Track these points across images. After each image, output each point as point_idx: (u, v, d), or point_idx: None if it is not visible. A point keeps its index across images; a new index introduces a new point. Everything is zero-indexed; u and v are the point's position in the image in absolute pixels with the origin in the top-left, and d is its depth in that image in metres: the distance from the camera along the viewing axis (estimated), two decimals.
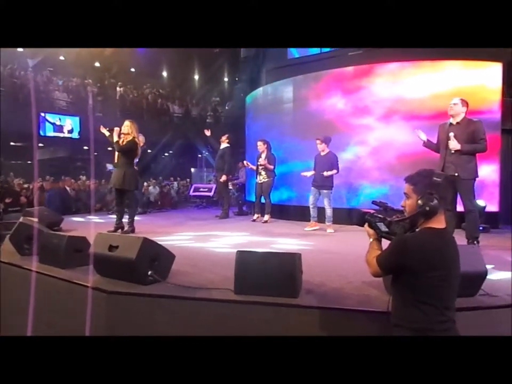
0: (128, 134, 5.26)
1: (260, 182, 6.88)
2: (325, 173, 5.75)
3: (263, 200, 6.92)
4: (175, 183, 14.33)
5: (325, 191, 5.84)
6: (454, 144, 4.12)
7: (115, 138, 5.18)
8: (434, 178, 1.78)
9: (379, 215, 2.10)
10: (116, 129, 5.22)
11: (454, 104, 4.24)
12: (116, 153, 5.30)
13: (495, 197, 6.09)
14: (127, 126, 5.30)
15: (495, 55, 6.11)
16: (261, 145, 6.88)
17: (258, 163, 6.87)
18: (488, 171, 5.91)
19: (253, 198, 7.31)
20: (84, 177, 11.68)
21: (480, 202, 5.54)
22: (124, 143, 5.22)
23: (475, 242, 4.12)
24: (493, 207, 6.04)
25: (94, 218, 7.44)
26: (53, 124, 14.08)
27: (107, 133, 5.31)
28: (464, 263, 1.86)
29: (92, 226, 6.19)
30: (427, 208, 1.75)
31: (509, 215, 6.48)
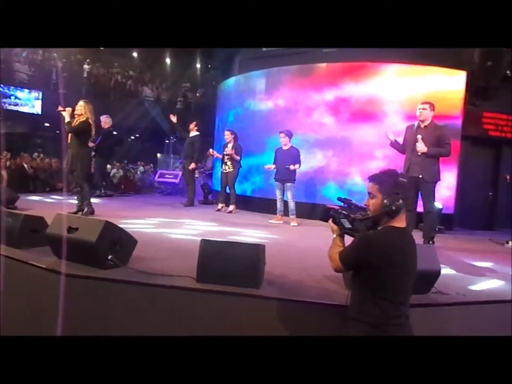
0: (81, 114, 5.13)
1: (225, 171, 6.86)
2: (292, 167, 5.81)
3: (228, 190, 6.91)
4: (140, 167, 14.02)
5: (288, 184, 5.90)
6: (421, 147, 4.23)
7: (67, 119, 5.06)
8: (400, 179, 1.84)
9: (343, 212, 2.15)
10: (68, 109, 5.10)
11: (423, 109, 4.33)
12: (69, 134, 5.16)
13: (451, 201, 6.38)
14: (80, 106, 5.17)
15: (461, 64, 6.37)
16: (228, 135, 6.85)
17: (224, 152, 6.84)
18: (446, 175, 6.16)
19: (219, 187, 7.29)
20: (39, 155, 11.18)
21: (438, 204, 5.77)
22: (77, 123, 5.10)
23: (430, 242, 4.30)
24: (448, 209, 6.33)
25: (54, 198, 7.18)
26: (12, 96, 13.36)
27: (64, 114, 5.15)
28: (420, 262, 1.93)
29: (51, 207, 5.98)
30: (393, 208, 1.80)
31: (463, 218, 6.82)
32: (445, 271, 3.23)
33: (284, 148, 6.03)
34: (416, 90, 6.20)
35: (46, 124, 14.89)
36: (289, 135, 6.03)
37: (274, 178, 6.07)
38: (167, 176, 10.90)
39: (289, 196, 5.90)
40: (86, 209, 5.17)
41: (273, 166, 6.06)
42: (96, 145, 7.64)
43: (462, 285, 2.98)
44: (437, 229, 4.78)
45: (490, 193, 7.45)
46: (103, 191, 8.16)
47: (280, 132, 6.05)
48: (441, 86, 6.23)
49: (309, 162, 6.59)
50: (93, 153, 7.78)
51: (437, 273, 2.66)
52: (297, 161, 5.90)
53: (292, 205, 5.88)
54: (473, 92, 6.80)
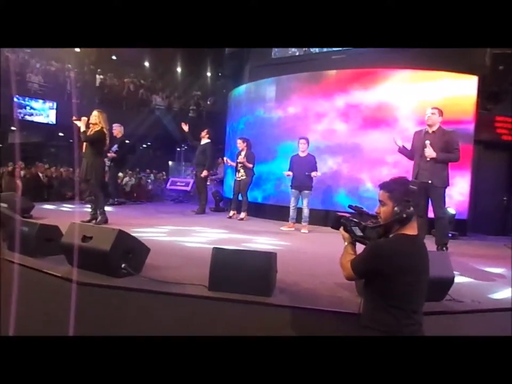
0: (96, 124, 5.23)
1: (238, 179, 6.89)
2: (313, 173, 5.81)
3: (240, 198, 6.93)
4: (152, 175, 14.14)
5: (306, 191, 5.89)
6: (430, 152, 4.22)
7: (82, 128, 5.15)
8: (411, 186, 1.83)
9: (354, 219, 2.14)
10: (84, 119, 5.20)
11: (432, 114, 4.34)
12: (84, 143, 5.25)
13: (465, 206, 6.30)
14: (95, 116, 5.27)
15: (472, 68, 6.33)
16: (240, 143, 6.89)
17: (238, 160, 6.88)
18: (459, 180, 6.10)
19: (230, 195, 7.32)
20: (49, 166, 11.34)
21: (451, 210, 5.72)
22: (92, 133, 5.19)
23: (444, 248, 4.25)
24: (462, 215, 6.25)
25: (68, 207, 7.28)
26: (27, 107, 13.63)
27: (79, 124, 5.25)
28: (433, 269, 1.92)
29: (65, 215, 6.07)
30: (404, 215, 1.79)
31: (476, 223, 6.73)
32: (459, 278, 3.19)
33: (301, 154, 6.01)
34: (427, 95, 6.15)
35: (60, 134, 15.13)
36: (308, 142, 6.04)
37: (291, 185, 6.02)
38: (178, 183, 10.97)
39: (305, 203, 5.88)
40: (100, 217, 5.24)
41: (290, 173, 6.01)
42: (115, 153, 7.74)
43: (477, 292, 2.94)
44: (450, 235, 4.73)
45: (504, 198, 7.33)
46: (115, 200, 8.25)
47: (301, 138, 6.04)
48: (452, 91, 6.18)
49: (320, 169, 6.56)
50: (110, 162, 7.89)
51: (451, 280, 2.64)
52: (314, 168, 5.89)
53: (306, 212, 5.86)
54: (485, 96, 6.74)
